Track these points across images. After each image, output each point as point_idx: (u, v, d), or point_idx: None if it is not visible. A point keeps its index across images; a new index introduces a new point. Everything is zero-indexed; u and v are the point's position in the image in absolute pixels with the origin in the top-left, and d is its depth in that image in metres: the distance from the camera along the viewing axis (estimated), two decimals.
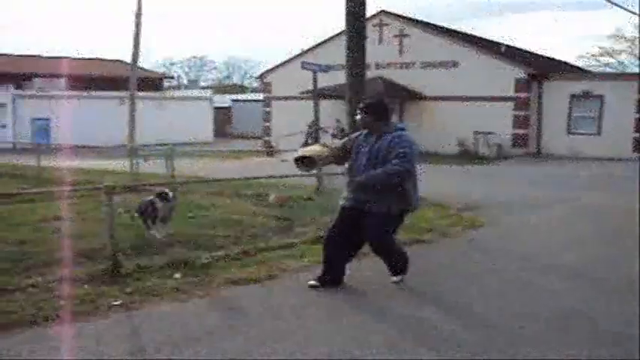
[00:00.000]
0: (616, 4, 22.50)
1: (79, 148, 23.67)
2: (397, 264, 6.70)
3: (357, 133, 6.68)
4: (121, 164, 17.54)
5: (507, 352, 4.87)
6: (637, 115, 27.00)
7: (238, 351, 4.82)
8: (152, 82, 44.93)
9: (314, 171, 6.83)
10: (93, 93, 38.41)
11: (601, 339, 5.21)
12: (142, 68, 37.27)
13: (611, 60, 57.16)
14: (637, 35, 51.99)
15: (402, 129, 6.53)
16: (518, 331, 5.36)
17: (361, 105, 6.62)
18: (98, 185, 9.05)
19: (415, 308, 5.93)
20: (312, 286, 6.51)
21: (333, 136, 24.67)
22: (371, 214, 6.34)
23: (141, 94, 32.10)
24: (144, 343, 4.97)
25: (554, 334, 5.29)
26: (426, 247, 8.72)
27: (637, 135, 27.01)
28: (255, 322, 5.45)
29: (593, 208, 12.70)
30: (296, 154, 6.77)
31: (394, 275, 6.70)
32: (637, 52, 55.20)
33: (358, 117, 6.59)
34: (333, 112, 27.16)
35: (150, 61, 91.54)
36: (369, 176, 6.27)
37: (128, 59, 31.64)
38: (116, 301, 5.91)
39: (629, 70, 51.72)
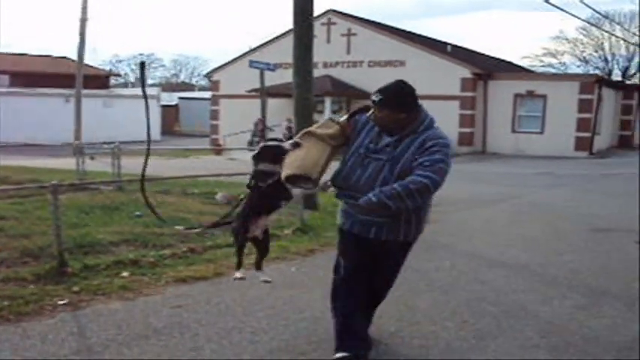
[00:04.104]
0: (559, 8, 23.13)
1: (23, 147, 23.21)
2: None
3: (364, 119, 4.50)
4: (66, 163, 17.27)
5: (451, 347, 4.99)
6: (578, 115, 27.73)
7: (186, 349, 4.84)
8: (99, 80, 44.29)
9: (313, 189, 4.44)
10: (37, 90, 37.68)
11: (543, 331, 5.37)
12: (88, 65, 36.72)
13: (554, 60, 58.71)
14: (578, 37, 53.53)
15: (432, 125, 4.36)
16: (461, 325, 5.49)
17: (373, 97, 4.34)
18: (44, 184, 8.92)
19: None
20: None
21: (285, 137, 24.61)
22: (384, 246, 4.37)
23: (87, 91, 31.68)
24: (91, 342, 4.95)
25: (499, 329, 5.44)
26: None
27: (579, 134, 27.76)
28: (203, 320, 5.47)
29: (538, 205, 13.00)
30: (286, 173, 4.21)
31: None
32: (578, 53, 56.93)
33: (370, 113, 4.40)
34: (281, 111, 27.22)
35: (96, 58, 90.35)
36: (379, 197, 3.97)
37: (74, 56, 31.23)
38: (62, 300, 5.86)
39: (570, 71, 53.28)
